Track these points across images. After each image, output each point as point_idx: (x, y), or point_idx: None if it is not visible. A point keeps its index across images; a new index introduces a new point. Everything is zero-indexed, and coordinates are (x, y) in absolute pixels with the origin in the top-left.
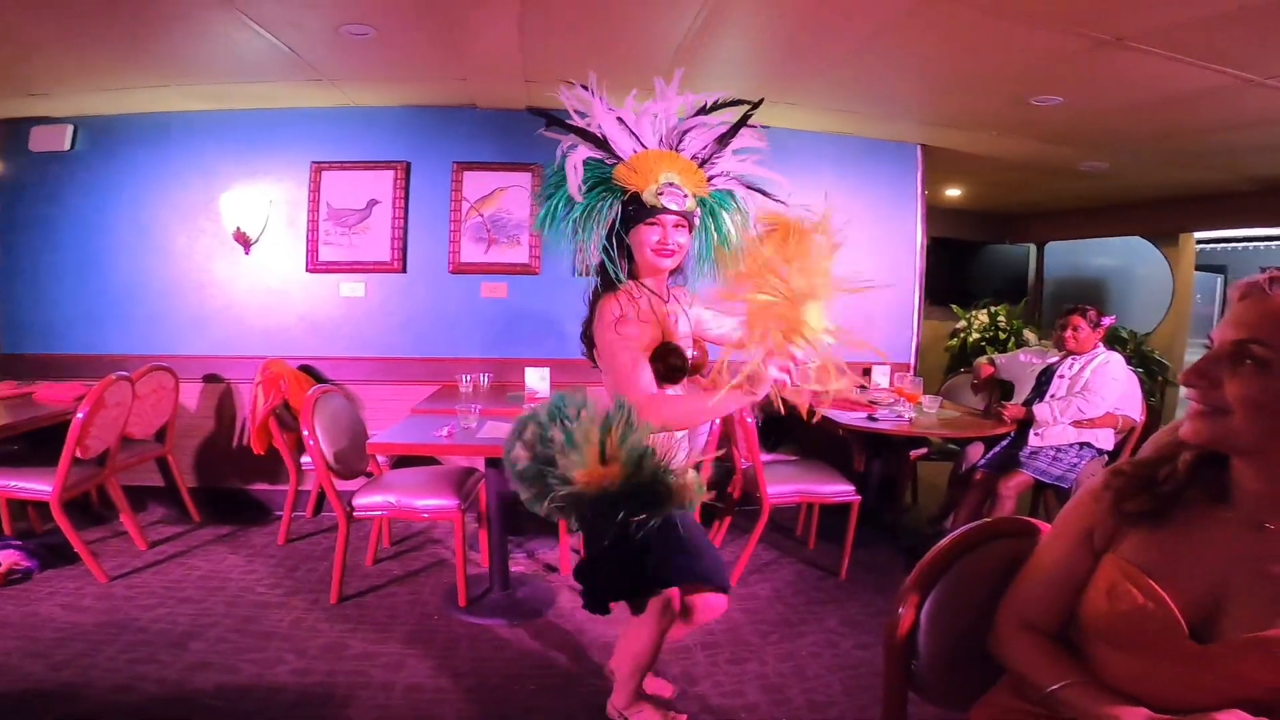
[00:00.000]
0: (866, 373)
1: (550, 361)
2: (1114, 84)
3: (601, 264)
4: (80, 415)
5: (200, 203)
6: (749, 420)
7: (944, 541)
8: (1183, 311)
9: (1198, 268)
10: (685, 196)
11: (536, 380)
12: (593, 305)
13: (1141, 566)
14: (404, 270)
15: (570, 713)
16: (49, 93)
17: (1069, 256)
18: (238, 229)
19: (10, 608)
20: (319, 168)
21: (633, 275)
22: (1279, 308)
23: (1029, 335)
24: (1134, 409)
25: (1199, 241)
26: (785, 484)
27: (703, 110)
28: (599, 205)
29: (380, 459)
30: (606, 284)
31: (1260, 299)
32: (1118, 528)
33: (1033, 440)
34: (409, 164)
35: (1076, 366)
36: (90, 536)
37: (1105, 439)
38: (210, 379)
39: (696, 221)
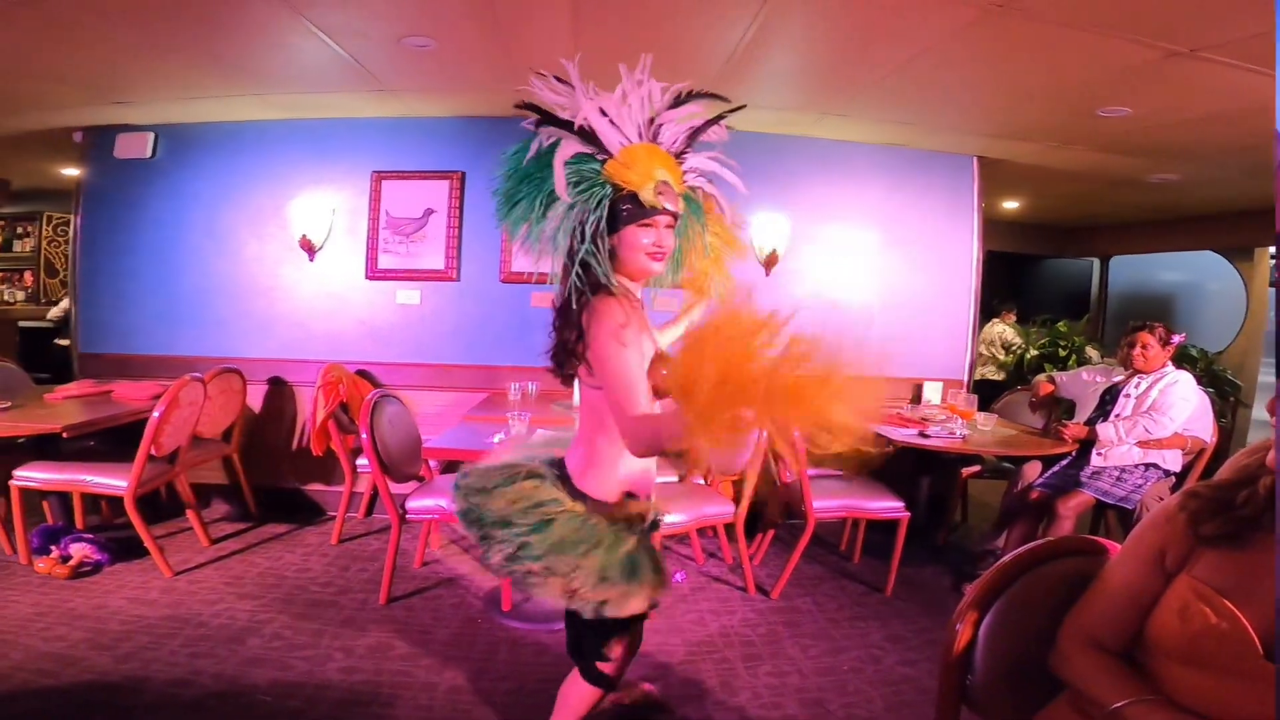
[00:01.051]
0: (919, 389)
1: None
2: (1186, 95)
3: (579, 270)
4: (156, 414)
5: (269, 210)
6: (795, 434)
7: (1006, 558)
8: (1256, 330)
9: (1272, 284)
10: (677, 196)
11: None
12: (576, 315)
13: (1216, 587)
14: (458, 279)
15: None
16: (132, 101)
17: (1134, 271)
18: (303, 236)
19: (80, 599)
20: (379, 176)
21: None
22: None
23: (1091, 352)
24: (1204, 430)
25: (1274, 256)
26: (832, 499)
27: (678, 101)
28: (589, 205)
29: (432, 463)
30: (595, 290)
31: None
32: (1192, 549)
33: (1095, 460)
34: (464, 173)
35: (1144, 385)
36: (157, 532)
37: (1173, 460)
38: (274, 381)
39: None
